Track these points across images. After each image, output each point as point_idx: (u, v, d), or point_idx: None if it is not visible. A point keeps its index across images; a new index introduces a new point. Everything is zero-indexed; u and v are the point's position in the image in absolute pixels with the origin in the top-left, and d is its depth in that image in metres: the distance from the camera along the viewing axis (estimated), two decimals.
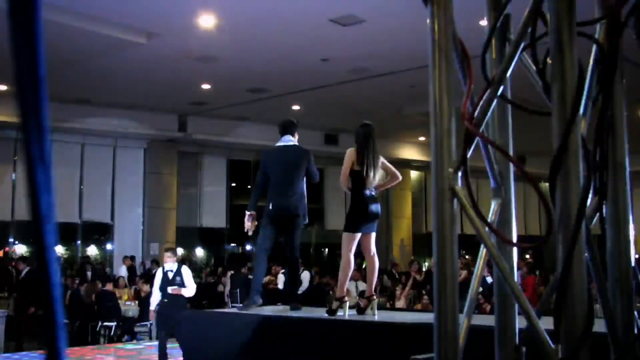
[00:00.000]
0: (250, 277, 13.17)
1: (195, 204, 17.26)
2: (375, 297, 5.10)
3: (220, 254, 18.98)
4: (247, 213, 5.79)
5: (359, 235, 5.06)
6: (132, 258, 15.34)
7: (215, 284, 14.53)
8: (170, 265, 8.41)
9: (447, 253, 1.81)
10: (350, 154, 5.10)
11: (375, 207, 5.09)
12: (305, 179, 5.74)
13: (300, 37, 10.10)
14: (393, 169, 5.32)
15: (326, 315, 4.97)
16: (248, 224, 5.75)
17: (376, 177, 5.11)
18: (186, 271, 8.47)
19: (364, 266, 14.36)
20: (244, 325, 5.14)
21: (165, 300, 8.32)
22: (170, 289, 8.28)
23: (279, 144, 5.81)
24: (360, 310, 5.07)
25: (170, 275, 8.35)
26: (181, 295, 8.32)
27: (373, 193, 5.11)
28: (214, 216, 17.41)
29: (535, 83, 2.01)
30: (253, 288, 5.72)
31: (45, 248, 0.70)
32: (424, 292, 11.92)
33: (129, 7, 9.01)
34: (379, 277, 15.88)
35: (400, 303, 12.10)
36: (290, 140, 5.78)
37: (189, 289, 8.42)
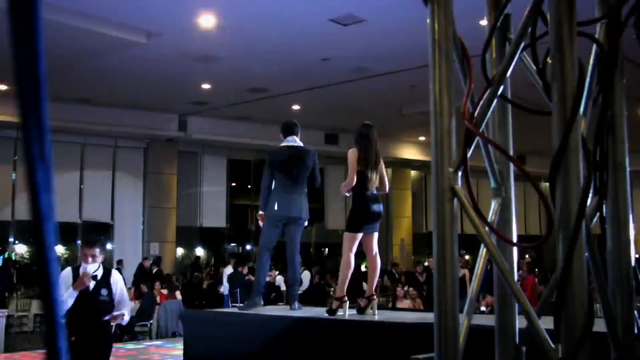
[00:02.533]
0: (249, 277, 13.21)
1: (195, 204, 17.26)
2: (375, 297, 5.10)
3: (220, 254, 18.99)
4: (260, 213, 5.73)
5: (360, 235, 5.06)
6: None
7: (215, 284, 14.53)
8: (92, 266, 4.84)
9: (447, 253, 1.81)
10: (354, 154, 5.09)
11: (377, 207, 5.09)
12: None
13: (300, 37, 10.09)
14: (385, 179, 5.29)
15: (326, 315, 4.97)
16: (262, 224, 5.72)
17: (378, 177, 5.12)
18: (117, 280, 5.01)
19: (362, 268, 14.35)
20: (244, 325, 5.14)
21: (74, 338, 4.55)
22: (109, 316, 4.87)
23: (286, 144, 5.76)
24: (360, 310, 5.06)
25: (92, 284, 4.82)
26: (107, 323, 4.92)
27: (375, 193, 5.11)
28: (214, 216, 17.41)
29: (535, 83, 2.01)
30: (255, 289, 5.69)
31: (45, 248, 0.70)
32: (411, 288, 11.91)
33: (129, 7, 9.01)
34: (379, 277, 15.84)
35: (403, 304, 12.07)
36: (296, 141, 5.77)
37: (128, 314, 5.06)
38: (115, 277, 5.01)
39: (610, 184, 1.95)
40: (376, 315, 4.95)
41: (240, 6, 8.96)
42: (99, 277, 4.87)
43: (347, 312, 4.96)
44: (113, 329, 5.26)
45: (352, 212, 5.15)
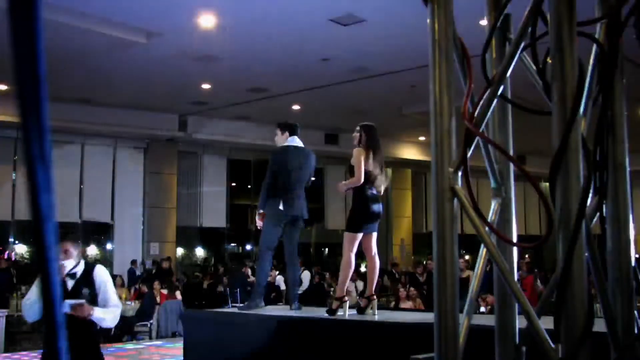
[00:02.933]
0: (250, 277, 13.22)
1: (195, 204, 17.26)
2: (375, 297, 5.10)
3: (220, 254, 18.99)
4: (260, 212, 5.68)
5: (360, 235, 5.07)
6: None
7: (215, 284, 14.52)
8: (68, 263, 4.18)
9: (447, 253, 1.81)
10: (361, 153, 5.09)
11: (377, 207, 5.11)
12: None
13: (300, 37, 10.09)
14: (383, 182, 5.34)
15: (326, 315, 4.98)
16: (260, 223, 5.70)
17: (383, 178, 5.15)
18: (102, 277, 4.28)
19: (362, 269, 14.30)
20: (244, 325, 5.14)
21: None
22: (68, 305, 3.91)
23: (290, 144, 5.77)
24: (360, 310, 5.07)
25: (70, 283, 4.17)
26: (89, 322, 4.06)
27: (375, 193, 5.13)
28: (214, 216, 17.41)
29: (535, 83, 2.01)
30: (255, 290, 5.66)
31: (46, 248, 0.70)
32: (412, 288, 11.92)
33: (129, 7, 9.01)
34: (379, 277, 15.84)
35: (407, 305, 12.08)
36: (299, 141, 5.79)
37: (109, 312, 4.18)
38: (99, 273, 4.26)
39: (610, 184, 1.95)
40: (376, 315, 4.95)
41: (240, 6, 8.96)
42: (78, 274, 4.19)
43: (347, 312, 4.96)
44: (112, 331, 4.77)
45: (352, 211, 5.15)
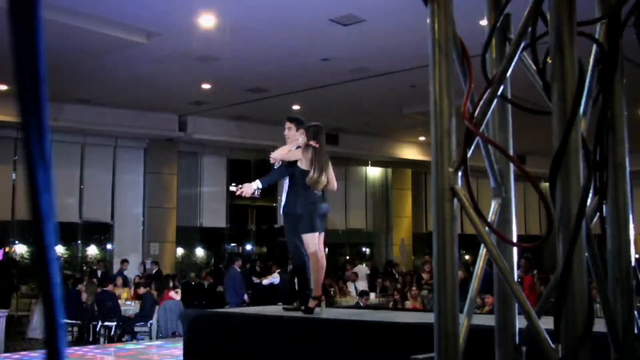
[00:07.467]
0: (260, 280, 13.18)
1: (195, 204, 17.25)
2: (323, 298, 5.21)
3: (220, 254, 18.98)
4: (260, 187, 5.75)
5: (317, 234, 5.22)
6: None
7: (215, 284, 14.51)
8: None
9: (447, 253, 1.81)
10: (298, 153, 5.31)
11: (326, 207, 5.33)
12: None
13: (300, 37, 10.09)
14: (333, 178, 5.49)
15: (303, 314, 5.07)
16: (247, 193, 5.76)
17: (326, 178, 5.33)
18: None
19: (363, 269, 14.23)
20: (244, 325, 5.14)
21: None
22: None
23: None
24: (309, 311, 5.06)
25: None
26: None
27: (321, 193, 5.32)
28: (214, 216, 17.40)
29: (535, 83, 2.01)
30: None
31: (45, 248, 0.70)
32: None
33: (129, 7, 9.01)
34: (379, 277, 15.83)
35: (409, 304, 12.07)
36: None
37: None
38: None
39: (610, 184, 1.95)
40: (324, 315, 5.02)
41: (240, 6, 8.96)
42: None
43: (324, 311, 5.10)
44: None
45: (305, 213, 5.23)
